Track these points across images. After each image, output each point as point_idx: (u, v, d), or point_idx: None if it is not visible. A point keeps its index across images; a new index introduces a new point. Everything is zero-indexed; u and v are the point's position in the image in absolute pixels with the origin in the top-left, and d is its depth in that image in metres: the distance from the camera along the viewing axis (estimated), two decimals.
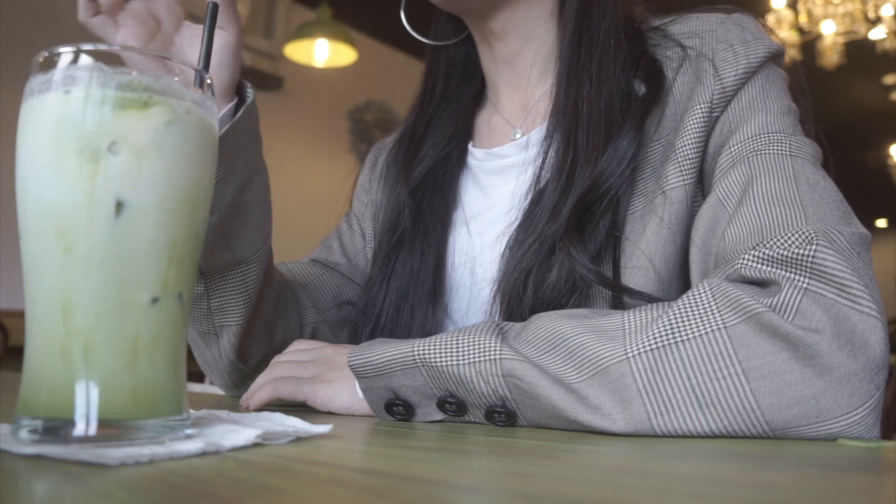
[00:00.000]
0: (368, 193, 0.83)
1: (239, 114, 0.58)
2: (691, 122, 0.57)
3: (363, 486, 0.25)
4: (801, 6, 3.59)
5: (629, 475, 0.28)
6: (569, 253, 0.55)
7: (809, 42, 3.63)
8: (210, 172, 0.37)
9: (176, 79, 0.35)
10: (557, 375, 0.43)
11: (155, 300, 0.33)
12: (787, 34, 3.57)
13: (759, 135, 0.54)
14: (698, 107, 0.57)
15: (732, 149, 0.55)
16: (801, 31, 3.62)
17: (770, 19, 3.63)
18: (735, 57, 0.57)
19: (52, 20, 3.14)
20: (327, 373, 0.55)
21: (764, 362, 0.40)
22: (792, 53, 3.54)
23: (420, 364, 0.48)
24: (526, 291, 0.57)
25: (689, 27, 0.62)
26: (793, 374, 0.40)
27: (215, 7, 0.45)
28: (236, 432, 0.34)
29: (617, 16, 0.63)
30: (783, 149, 0.52)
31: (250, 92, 0.60)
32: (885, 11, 3.49)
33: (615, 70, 0.61)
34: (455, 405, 0.48)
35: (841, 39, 3.56)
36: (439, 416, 0.49)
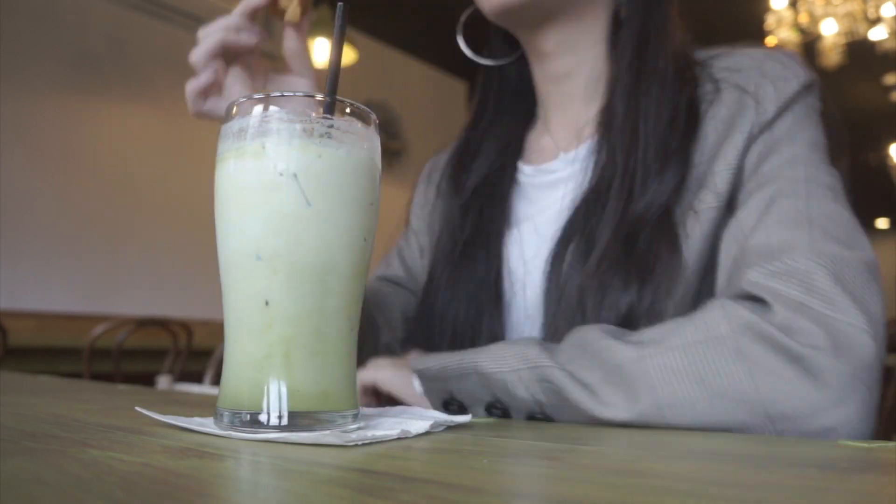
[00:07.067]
0: (424, 208, 0.84)
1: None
2: (730, 150, 0.59)
3: (363, 486, 0.25)
4: (801, 6, 3.60)
5: (629, 475, 0.28)
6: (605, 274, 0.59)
7: (810, 42, 3.63)
8: (375, 206, 0.41)
9: (348, 119, 0.39)
10: (582, 379, 0.50)
11: (341, 307, 0.38)
12: (787, 34, 3.57)
13: (784, 164, 0.57)
14: (738, 136, 0.60)
15: (760, 176, 0.58)
16: (801, 31, 3.62)
17: (770, 19, 3.64)
18: (776, 92, 0.60)
19: (52, 20, 3.14)
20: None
21: (770, 371, 0.45)
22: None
23: (472, 371, 0.55)
24: (571, 293, 0.60)
25: (735, 63, 0.64)
26: (794, 384, 0.45)
27: (343, 7, 0.40)
28: (408, 423, 0.39)
29: (675, 46, 0.66)
30: (800, 175, 0.56)
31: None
32: (886, 11, 3.49)
33: (671, 97, 0.63)
34: (500, 411, 0.54)
35: (841, 39, 3.56)
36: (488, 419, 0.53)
